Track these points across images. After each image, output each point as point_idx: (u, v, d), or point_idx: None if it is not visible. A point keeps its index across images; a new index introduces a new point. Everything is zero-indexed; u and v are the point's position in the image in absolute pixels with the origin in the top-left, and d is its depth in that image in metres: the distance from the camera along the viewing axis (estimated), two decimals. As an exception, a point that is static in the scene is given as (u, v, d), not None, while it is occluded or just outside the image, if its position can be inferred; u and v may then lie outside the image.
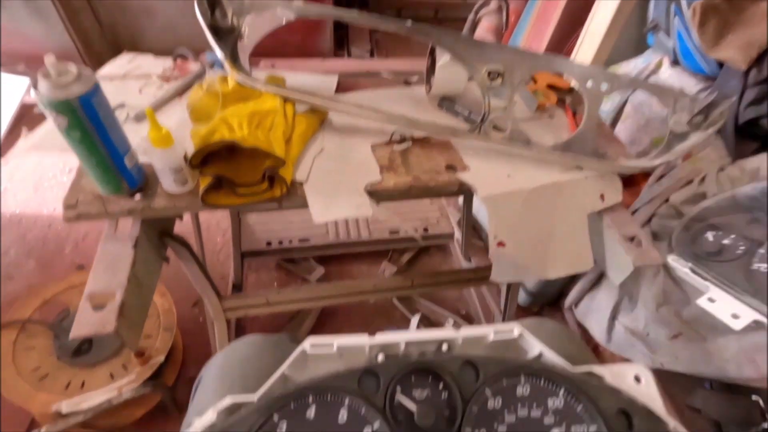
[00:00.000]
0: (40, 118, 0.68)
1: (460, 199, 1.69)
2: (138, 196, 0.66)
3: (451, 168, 0.77)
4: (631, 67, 1.41)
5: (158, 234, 0.76)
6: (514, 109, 0.78)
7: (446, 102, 0.88)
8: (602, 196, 0.79)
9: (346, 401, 0.37)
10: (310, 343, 0.39)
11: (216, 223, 1.77)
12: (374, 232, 1.65)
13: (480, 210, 1.69)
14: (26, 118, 2.08)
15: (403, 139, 0.80)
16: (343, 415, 0.37)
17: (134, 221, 0.70)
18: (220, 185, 0.68)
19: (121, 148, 0.62)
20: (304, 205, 0.69)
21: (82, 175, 0.68)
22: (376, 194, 0.72)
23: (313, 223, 1.66)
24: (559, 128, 0.89)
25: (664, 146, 0.78)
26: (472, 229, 1.70)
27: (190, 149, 0.64)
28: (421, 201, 1.77)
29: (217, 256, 1.67)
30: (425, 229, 1.67)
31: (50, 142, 0.73)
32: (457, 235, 1.65)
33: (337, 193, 0.70)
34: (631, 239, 0.76)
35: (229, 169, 0.67)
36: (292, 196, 0.70)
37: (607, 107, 1.41)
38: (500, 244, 0.75)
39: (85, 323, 0.59)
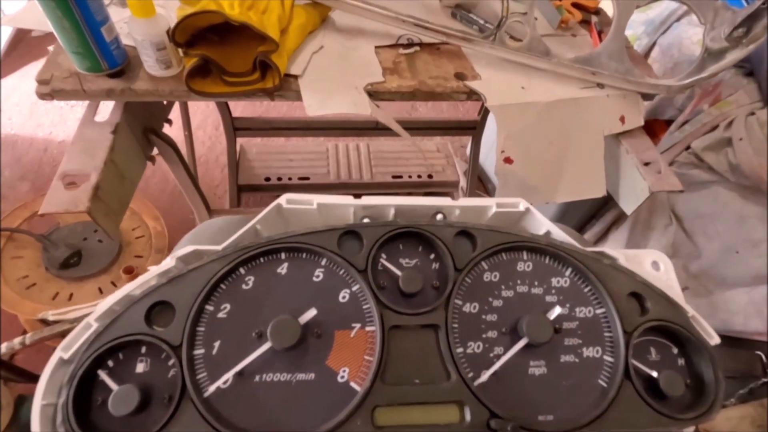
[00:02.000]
0: (37, 42, 0.63)
1: (468, 149, 1.63)
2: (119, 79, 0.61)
3: (460, 76, 0.70)
4: (664, 6, 1.30)
5: (143, 129, 0.71)
6: (534, 19, 0.71)
7: (460, 11, 0.81)
8: (622, 119, 0.72)
9: (323, 261, 0.33)
10: (286, 198, 0.35)
11: (215, 158, 1.72)
12: (376, 175, 1.59)
13: (488, 160, 1.62)
14: (23, 42, 2.01)
15: (410, 44, 0.74)
16: (318, 275, 0.33)
17: (115, 107, 0.65)
18: (208, 73, 0.63)
19: (98, 15, 0.56)
20: (297, 98, 0.64)
21: (59, 53, 0.63)
22: (377, 94, 0.66)
23: (314, 163, 1.60)
24: (582, 47, 0.81)
25: (696, 65, 0.71)
26: (478, 180, 1.64)
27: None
28: (427, 147, 1.70)
29: (215, 191, 1.63)
30: (430, 176, 1.61)
31: (28, 17, 0.67)
32: (462, 183, 1.60)
33: (334, 89, 0.64)
34: (648, 164, 0.70)
35: (217, 54, 0.61)
36: (286, 89, 0.64)
37: (633, 50, 1.31)
38: (507, 160, 0.70)
39: (56, 201, 0.55)
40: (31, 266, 1.03)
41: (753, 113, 1.00)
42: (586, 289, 0.34)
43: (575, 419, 0.29)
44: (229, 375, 0.28)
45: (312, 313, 0.29)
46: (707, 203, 1.09)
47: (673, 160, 1.11)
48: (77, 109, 1.77)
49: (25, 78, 1.87)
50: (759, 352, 1.02)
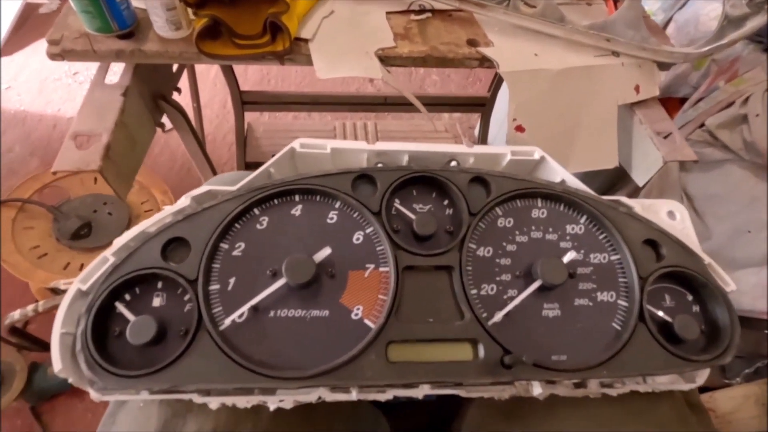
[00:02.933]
0: (44, 18, 0.63)
1: (476, 130, 1.61)
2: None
3: (473, 42, 0.69)
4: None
5: (152, 94, 0.71)
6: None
7: (473, -22, 0.79)
8: (637, 88, 0.71)
9: (337, 203, 0.33)
10: (300, 142, 0.35)
11: (222, 136, 1.72)
12: (384, 154, 1.59)
13: (496, 139, 1.61)
14: (31, 19, 2.00)
15: (422, 10, 0.72)
16: (332, 217, 0.33)
17: (125, 70, 0.65)
18: (219, 35, 0.62)
19: (108, -28, 0.56)
20: (307, 62, 0.63)
21: (69, 13, 0.63)
22: (388, 60, 0.65)
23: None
24: (597, 16, 0.80)
25: (716, 32, 0.69)
26: (486, 160, 1.63)
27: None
28: (435, 128, 1.69)
29: (222, 168, 1.64)
30: (437, 156, 1.60)
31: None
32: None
33: (345, 53, 0.64)
34: (664, 136, 0.69)
35: (227, 15, 0.61)
36: (296, 53, 0.63)
37: (648, 26, 1.28)
38: (519, 128, 0.69)
39: (68, 160, 0.55)
40: (43, 236, 1.04)
41: (770, 89, 0.98)
42: (601, 236, 0.33)
43: (588, 360, 0.29)
44: (244, 309, 0.28)
45: (326, 251, 0.30)
46: (719, 183, 1.07)
47: (686, 138, 1.10)
48: (86, 85, 1.77)
49: (34, 55, 1.87)
50: (767, 332, 1.02)
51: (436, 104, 1.34)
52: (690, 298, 0.33)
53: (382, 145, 0.35)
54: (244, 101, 1.17)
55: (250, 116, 1.63)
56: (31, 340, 1.03)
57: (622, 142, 0.74)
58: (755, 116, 0.95)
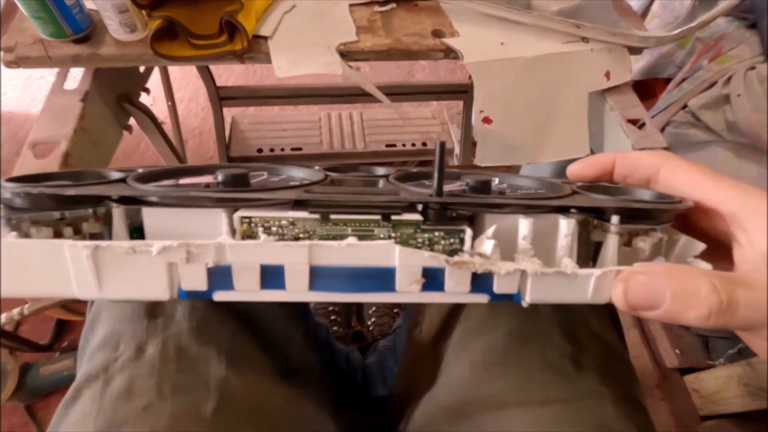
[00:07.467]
0: None
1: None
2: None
3: (438, 33, 0.68)
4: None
5: (116, 97, 0.70)
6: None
7: (441, -36, 0.77)
8: (608, 74, 0.70)
9: None
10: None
11: (209, 129, 1.71)
12: (370, 144, 1.58)
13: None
14: (11, 17, 1.98)
15: (387, 0, 0.71)
16: None
17: (85, 75, 0.64)
18: (176, 36, 0.61)
19: (56, -24, 0.55)
20: (268, 60, 0.62)
21: (24, 18, 0.62)
22: (350, 55, 0.64)
23: (307, 133, 1.59)
24: (567, 1, 0.78)
25: (687, 14, 0.67)
26: (472, 146, 1.62)
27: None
28: (422, 114, 1.67)
29: (209, 162, 1.63)
30: (424, 144, 1.59)
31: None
32: (457, 150, 1.58)
33: (305, 50, 0.63)
34: (635, 123, 0.68)
35: (182, 15, 0.59)
36: (256, 51, 0.62)
37: (633, 4, 1.25)
38: (486, 120, 0.68)
39: (26, 170, 0.55)
40: (27, 239, 1.05)
41: (753, 68, 0.96)
42: None
43: None
44: None
45: None
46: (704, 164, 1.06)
47: (670, 120, 1.08)
48: (70, 83, 1.76)
49: None
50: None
51: (418, 93, 1.33)
52: None
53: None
54: (221, 97, 1.16)
55: (234, 110, 1.62)
56: (21, 342, 1.05)
57: (594, 130, 0.73)
58: (737, 96, 0.94)
